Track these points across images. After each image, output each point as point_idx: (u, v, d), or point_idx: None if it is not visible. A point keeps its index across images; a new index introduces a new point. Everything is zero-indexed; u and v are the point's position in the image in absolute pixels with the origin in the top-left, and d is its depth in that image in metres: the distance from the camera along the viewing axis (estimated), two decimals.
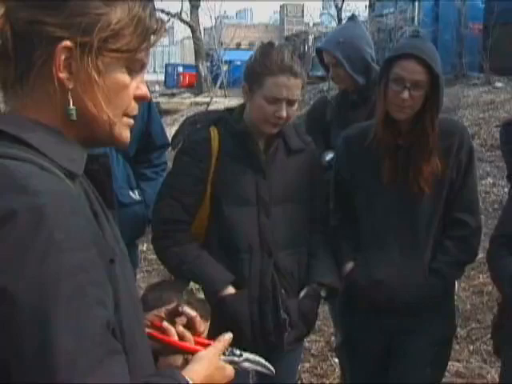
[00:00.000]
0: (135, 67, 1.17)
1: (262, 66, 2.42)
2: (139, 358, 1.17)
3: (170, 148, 3.28)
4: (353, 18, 3.60)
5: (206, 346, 1.40)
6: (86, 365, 0.94)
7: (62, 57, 1.08)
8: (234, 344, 1.42)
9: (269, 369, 1.50)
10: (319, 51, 3.43)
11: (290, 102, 2.43)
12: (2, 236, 0.96)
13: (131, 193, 3.16)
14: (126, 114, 1.18)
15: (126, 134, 1.19)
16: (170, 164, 3.05)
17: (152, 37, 1.17)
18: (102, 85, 1.12)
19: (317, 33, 22.69)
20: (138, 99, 1.20)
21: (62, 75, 1.09)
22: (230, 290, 2.45)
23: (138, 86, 1.18)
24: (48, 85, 1.10)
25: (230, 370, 1.34)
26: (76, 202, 1.07)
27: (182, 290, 2.18)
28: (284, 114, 2.41)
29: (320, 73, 17.94)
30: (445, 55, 9.78)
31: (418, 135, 2.54)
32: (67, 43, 1.08)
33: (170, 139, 3.39)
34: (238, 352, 1.42)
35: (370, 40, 3.42)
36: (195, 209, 2.48)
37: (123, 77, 1.15)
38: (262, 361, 1.48)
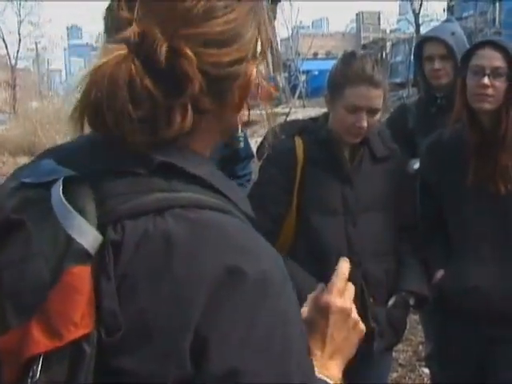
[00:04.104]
0: None
1: (342, 76, 2.41)
2: None
3: (255, 159, 3.31)
4: (450, 20, 3.51)
5: None
6: None
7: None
8: None
9: None
10: (423, 41, 3.22)
11: (371, 112, 2.40)
12: (228, 301, 0.86)
13: None
14: None
15: None
16: (254, 176, 3.08)
17: None
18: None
19: (394, 39, 22.49)
20: None
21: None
22: None
23: None
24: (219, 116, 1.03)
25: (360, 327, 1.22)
26: (280, 260, 0.95)
27: None
28: (364, 124, 2.39)
29: (398, 79, 17.74)
30: None
31: (503, 132, 2.44)
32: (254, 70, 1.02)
33: (251, 150, 3.42)
34: None
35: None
36: (282, 219, 2.48)
37: None
38: None
